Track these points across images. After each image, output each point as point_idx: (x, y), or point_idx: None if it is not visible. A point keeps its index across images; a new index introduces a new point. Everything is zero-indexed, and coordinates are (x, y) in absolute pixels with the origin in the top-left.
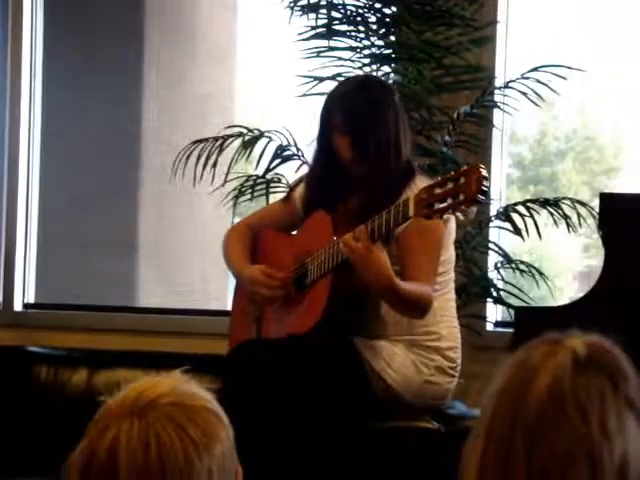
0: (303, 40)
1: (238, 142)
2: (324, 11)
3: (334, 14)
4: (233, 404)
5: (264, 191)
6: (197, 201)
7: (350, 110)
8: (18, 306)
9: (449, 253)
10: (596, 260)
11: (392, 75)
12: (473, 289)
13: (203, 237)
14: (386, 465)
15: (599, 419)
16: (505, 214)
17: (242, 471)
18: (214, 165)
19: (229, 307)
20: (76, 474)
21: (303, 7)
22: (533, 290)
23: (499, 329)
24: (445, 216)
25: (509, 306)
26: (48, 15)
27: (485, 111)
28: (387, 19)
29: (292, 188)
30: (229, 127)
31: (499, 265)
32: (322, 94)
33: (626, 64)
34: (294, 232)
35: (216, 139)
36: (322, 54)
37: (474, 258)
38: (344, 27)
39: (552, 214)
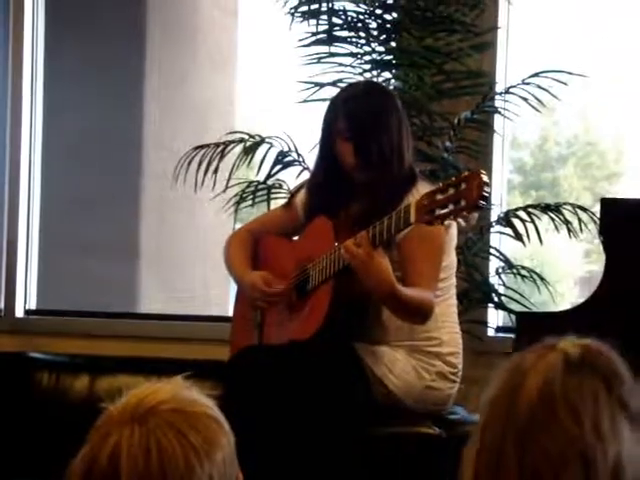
0: (304, 46)
1: (239, 148)
2: (325, 17)
3: (335, 20)
4: (234, 410)
5: (265, 197)
6: (198, 207)
7: (353, 116)
8: (19, 312)
9: (450, 259)
10: (597, 265)
11: (393, 81)
12: (474, 294)
13: (204, 243)
14: (387, 471)
15: (592, 421)
16: (506, 219)
17: (243, 477)
18: (215, 171)
19: (230, 313)
20: None
21: (304, 13)
22: (534, 295)
23: (500, 334)
24: (446, 222)
25: (510, 311)
26: (49, 15)
27: (486, 117)
28: (388, 25)
29: (293, 194)
30: (230, 133)
31: (500, 270)
32: (323, 100)
33: (627, 69)
34: (295, 238)
35: (217, 145)
36: (323, 60)
37: (475, 264)
38: (345, 33)
39: (553, 219)
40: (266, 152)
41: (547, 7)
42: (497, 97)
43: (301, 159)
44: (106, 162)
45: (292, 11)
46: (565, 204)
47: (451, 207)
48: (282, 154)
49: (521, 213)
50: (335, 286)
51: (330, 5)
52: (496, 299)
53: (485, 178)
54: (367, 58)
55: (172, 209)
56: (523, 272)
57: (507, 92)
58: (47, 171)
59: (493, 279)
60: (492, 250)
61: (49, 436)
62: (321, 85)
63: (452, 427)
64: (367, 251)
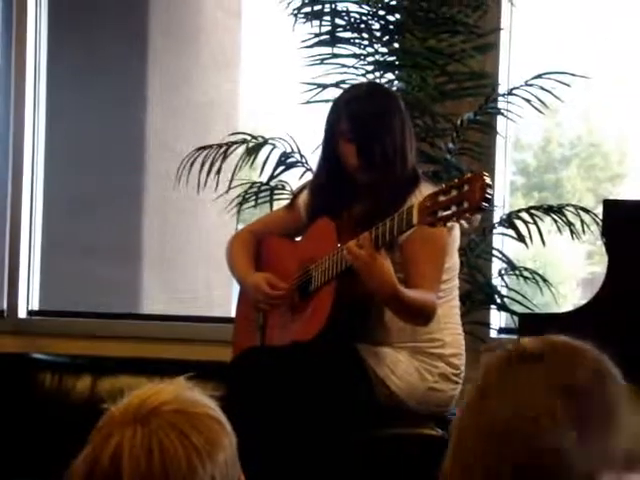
0: (307, 47)
1: (242, 149)
2: (328, 18)
3: (338, 21)
4: (236, 411)
5: (268, 198)
6: (201, 208)
7: (356, 117)
8: (22, 313)
9: (453, 260)
10: (600, 267)
11: (396, 82)
12: (477, 296)
13: (207, 244)
14: (390, 472)
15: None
16: (509, 221)
17: (245, 478)
18: (218, 172)
19: (233, 314)
20: None
21: (307, 14)
22: (537, 297)
23: (503, 336)
24: (449, 224)
25: (513, 313)
26: (52, 18)
27: (489, 118)
28: (391, 26)
29: (296, 195)
30: (233, 134)
31: (503, 272)
32: (326, 101)
33: (630, 70)
34: (298, 239)
35: (220, 146)
36: (326, 61)
37: (478, 265)
38: (348, 34)
39: (556, 221)
40: (269, 153)
41: (550, 8)
42: (500, 98)
43: (304, 160)
44: (109, 163)
45: (295, 12)
46: (568, 205)
47: (454, 209)
48: (285, 155)
49: (524, 214)
50: (337, 287)
51: (333, 6)
52: (499, 300)
53: (488, 180)
54: (370, 59)
55: (175, 210)
56: (526, 273)
57: (510, 93)
58: (50, 173)
59: (496, 280)
60: (495, 252)
61: (51, 437)
62: (324, 86)
63: None
64: (369, 252)
